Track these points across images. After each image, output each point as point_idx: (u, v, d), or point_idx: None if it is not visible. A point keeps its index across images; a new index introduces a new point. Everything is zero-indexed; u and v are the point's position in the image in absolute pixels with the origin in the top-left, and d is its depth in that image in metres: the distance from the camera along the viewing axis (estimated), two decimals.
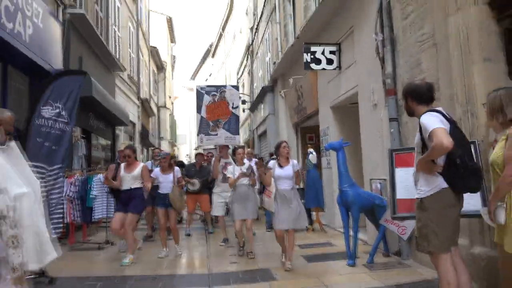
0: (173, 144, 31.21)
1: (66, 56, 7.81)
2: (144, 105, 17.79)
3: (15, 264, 2.27)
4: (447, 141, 2.62)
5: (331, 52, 7.17)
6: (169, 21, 28.12)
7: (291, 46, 9.43)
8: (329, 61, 7.18)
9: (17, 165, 2.39)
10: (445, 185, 2.80)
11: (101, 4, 10.92)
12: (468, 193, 3.00)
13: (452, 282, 2.76)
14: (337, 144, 5.41)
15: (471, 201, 3.22)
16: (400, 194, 3.87)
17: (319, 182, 7.76)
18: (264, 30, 14.68)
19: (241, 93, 20.78)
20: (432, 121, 2.76)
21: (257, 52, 17.00)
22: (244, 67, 21.45)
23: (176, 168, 6.36)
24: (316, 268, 5.03)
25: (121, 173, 5.79)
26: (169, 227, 6.29)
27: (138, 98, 16.58)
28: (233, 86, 8.19)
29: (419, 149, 2.94)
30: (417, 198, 2.95)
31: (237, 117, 7.70)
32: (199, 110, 7.53)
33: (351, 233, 5.23)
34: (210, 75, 38.21)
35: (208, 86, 8.05)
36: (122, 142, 13.19)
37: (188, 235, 7.88)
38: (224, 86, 7.98)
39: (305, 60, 7.09)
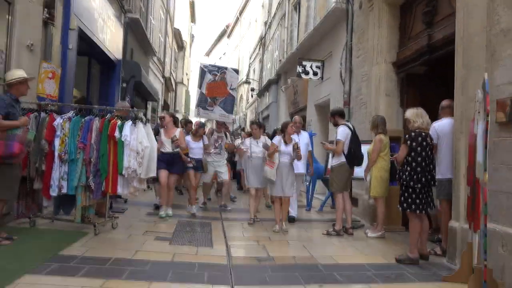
0: (186, 117, 34.04)
1: (124, 49, 10.60)
2: (167, 82, 20.56)
3: (138, 173, 5.15)
4: (339, 150, 5.55)
5: (316, 67, 9.92)
6: (192, 3, 30.64)
7: (292, 54, 12.15)
8: (315, 73, 9.93)
9: (148, 133, 5.26)
10: (344, 160, 5.66)
11: None
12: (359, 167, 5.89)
13: (341, 207, 5.69)
14: (309, 134, 8.25)
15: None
16: (329, 165, 6.74)
17: None
18: (275, 30, 17.25)
19: (252, 79, 23.38)
20: (341, 133, 5.59)
21: (268, 46, 19.52)
22: (256, 55, 23.63)
23: (204, 137, 7.20)
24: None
25: (162, 138, 6.55)
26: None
27: (163, 76, 19.33)
28: (233, 69, 8.56)
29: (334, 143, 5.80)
30: (331, 167, 5.83)
31: (233, 98, 8.10)
32: (200, 85, 8.00)
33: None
34: (224, 54, 40.06)
35: (211, 65, 8.54)
36: (162, 112, 16.06)
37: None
38: (226, 68, 8.37)
39: (297, 71, 9.86)
